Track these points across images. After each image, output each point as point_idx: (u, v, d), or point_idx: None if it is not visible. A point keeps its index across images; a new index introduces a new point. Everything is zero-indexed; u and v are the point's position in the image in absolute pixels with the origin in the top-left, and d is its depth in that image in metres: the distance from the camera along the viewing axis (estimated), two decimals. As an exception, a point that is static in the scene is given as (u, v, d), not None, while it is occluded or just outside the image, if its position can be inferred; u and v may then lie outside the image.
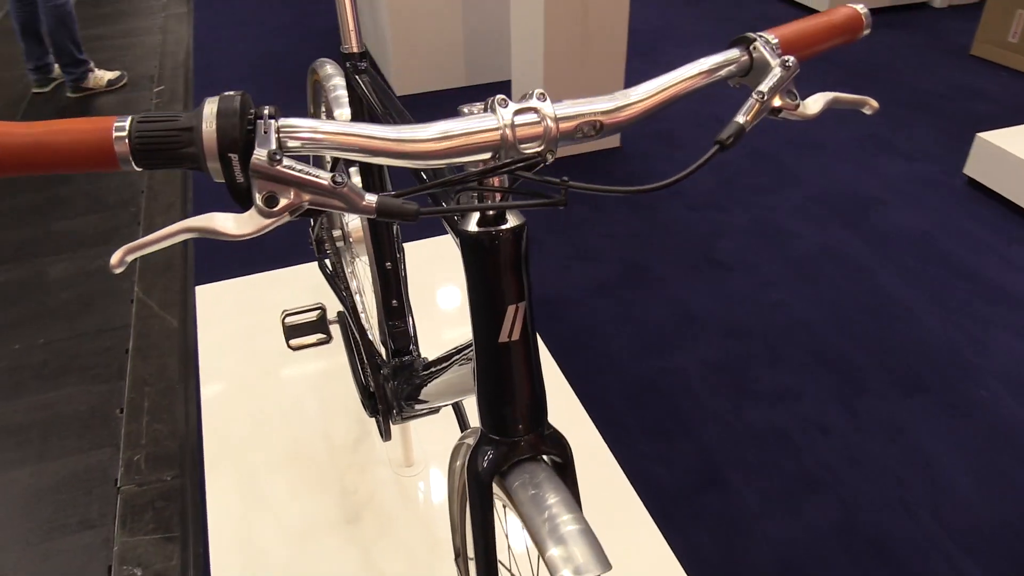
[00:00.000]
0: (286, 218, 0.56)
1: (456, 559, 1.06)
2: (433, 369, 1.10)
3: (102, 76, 3.68)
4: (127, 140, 0.53)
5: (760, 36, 0.71)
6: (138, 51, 4.18)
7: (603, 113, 0.64)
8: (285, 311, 1.36)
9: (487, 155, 0.61)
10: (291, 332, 1.33)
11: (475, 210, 0.66)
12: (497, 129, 0.60)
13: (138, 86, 3.79)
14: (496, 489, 0.75)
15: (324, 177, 0.56)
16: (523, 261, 0.68)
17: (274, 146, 0.55)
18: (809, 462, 1.81)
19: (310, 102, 1.70)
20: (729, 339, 2.17)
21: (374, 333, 1.37)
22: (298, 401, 1.78)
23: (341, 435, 1.68)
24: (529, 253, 0.70)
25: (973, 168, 2.82)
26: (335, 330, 1.39)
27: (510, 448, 0.73)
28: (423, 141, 0.60)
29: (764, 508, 1.71)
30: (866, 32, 0.77)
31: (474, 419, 1.05)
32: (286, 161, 0.55)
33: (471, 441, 0.82)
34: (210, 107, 0.54)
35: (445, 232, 2.52)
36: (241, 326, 2.01)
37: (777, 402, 1.97)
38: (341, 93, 1.38)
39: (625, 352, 2.12)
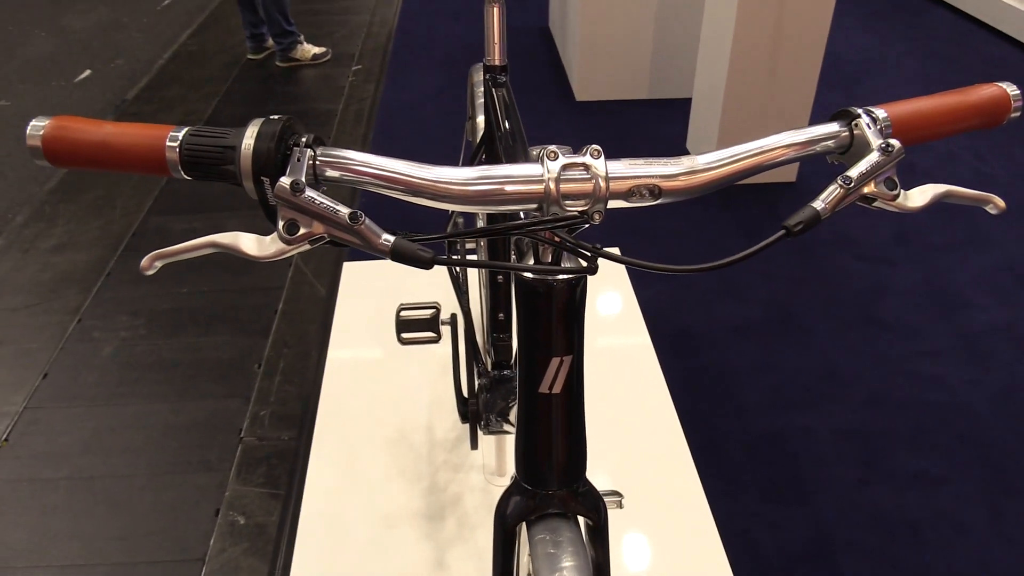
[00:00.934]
0: (306, 247, 0.56)
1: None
2: None
3: (308, 49, 3.94)
4: (178, 150, 0.56)
5: (868, 112, 0.62)
6: (345, 29, 4.45)
7: (662, 177, 0.58)
8: (402, 304, 1.39)
9: (531, 206, 0.58)
10: (403, 326, 1.36)
11: (488, 267, 0.63)
12: (541, 181, 0.57)
13: (339, 63, 4.03)
14: (524, 537, 0.72)
15: (343, 212, 0.55)
16: (576, 313, 0.64)
17: (304, 175, 0.55)
18: (936, 561, 1.62)
19: (468, 101, 1.73)
20: (871, 407, 1.99)
21: (482, 342, 1.37)
22: (412, 389, 1.82)
23: (444, 431, 1.71)
24: (584, 305, 0.66)
25: None
26: (446, 331, 1.40)
27: (539, 500, 0.71)
28: (460, 184, 0.57)
29: (871, 601, 1.55)
30: (1014, 116, 0.66)
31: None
32: (308, 192, 0.55)
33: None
34: (252, 128, 0.56)
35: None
36: (376, 307, 2.09)
37: (911, 486, 1.78)
38: (482, 102, 1.39)
39: (755, 401, 2.00)
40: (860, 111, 0.63)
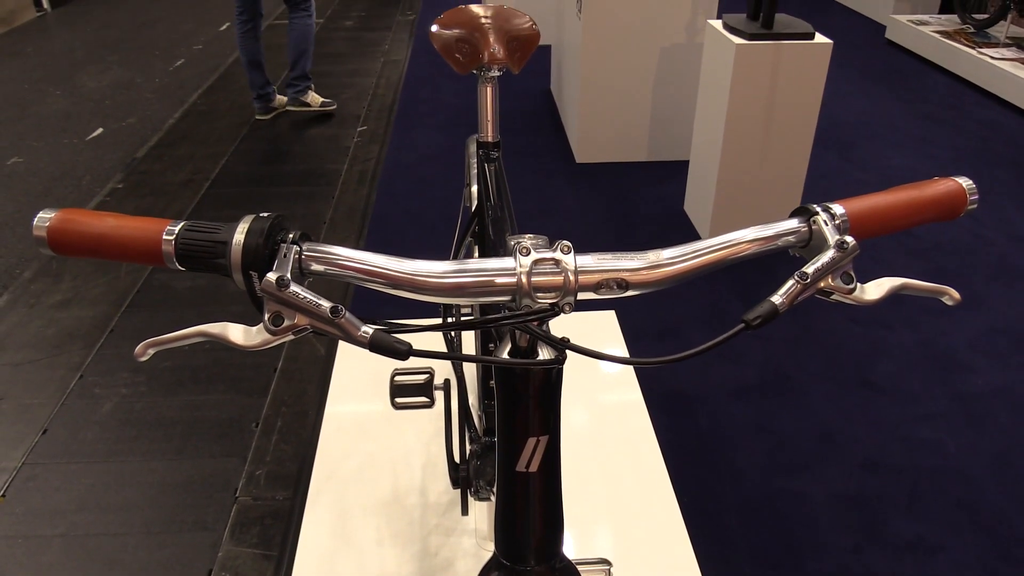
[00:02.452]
0: (289, 337, 0.59)
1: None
2: None
3: (317, 97, 4.09)
4: (173, 243, 0.59)
5: (826, 208, 0.65)
6: (352, 91, 4.56)
7: (628, 271, 0.61)
8: (396, 369, 1.41)
9: (505, 298, 0.61)
10: (397, 391, 1.38)
11: (461, 359, 0.65)
12: (513, 275, 0.60)
13: (344, 123, 4.12)
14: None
15: (324, 307, 0.58)
16: (552, 395, 0.67)
17: (290, 270, 0.58)
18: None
19: (466, 170, 1.78)
20: (867, 471, 1.99)
21: (474, 408, 1.39)
22: (406, 452, 1.83)
23: (436, 495, 1.71)
24: (560, 387, 0.68)
25: None
26: (440, 396, 1.42)
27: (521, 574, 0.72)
28: (438, 277, 0.60)
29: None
30: (970, 209, 0.69)
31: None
32: (292, 287, 0.58)
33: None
34: (243, 225, 0.59)
35: (591, 307, 2.51)
36: (373, 368, 2.11)
37: (907, 553, 1.77)
38: (476, 172, 1.44)
39: (750, 464, 2.00)
40: (819, 208, 0.65)
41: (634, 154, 3.63)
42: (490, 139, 1.24)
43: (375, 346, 0.59)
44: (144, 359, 0.61)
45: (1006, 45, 4.63)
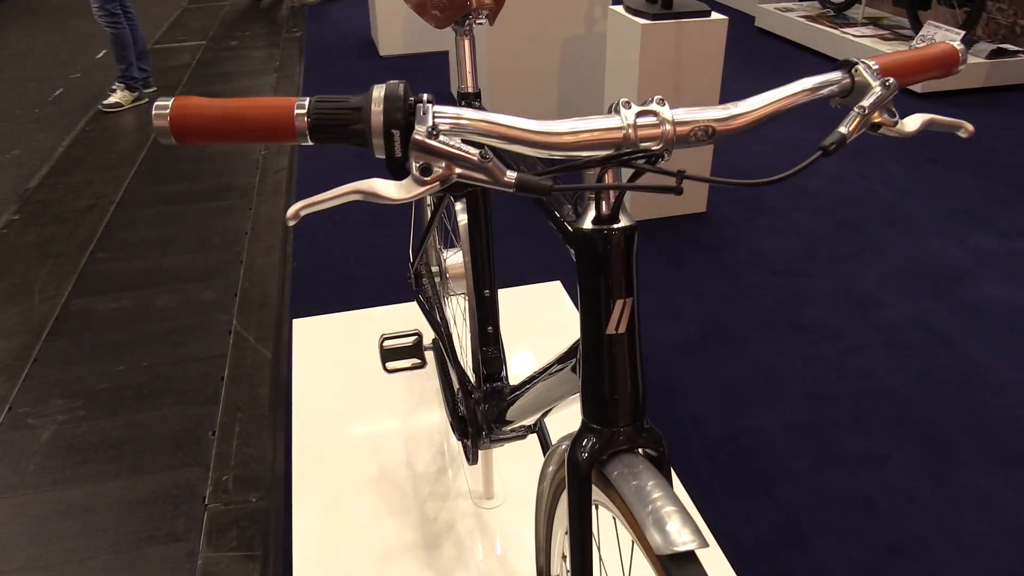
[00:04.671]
0: (436, 187, 0.62)
1: (536, 577, 1.08)
2: (519, 392, 1.14)
3: (127, 95, 4.47)
4: (306, 117, 0.61)
5: (861, 61, 0.75)
6: (249, 108, 4.47)
7: (716, 120, 0.68)
8: (383, 335, 1.42)
9: (610, 151, 0.67)
10: (388, 355, 1.39)
11: (602, 188, 0.70)
12: (621, 128, 0.66)
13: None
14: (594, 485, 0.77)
15: (473, 152, 0.62)
16: (633, 260, 0.72)
17: (431, 125, 0.62)
18: (897, 531, 1.75)
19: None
20: (812, 402, 2.13)
21: (466, 361, 1.41)
22: (386, 431, 1.83)
23: (425, 465, 1.72)
24: (638, 254, 0.74)
25: (1075, 247, 2.74)
26: (429, 360, 1.44)
27: (610, 437, 0.76)
28: (556, 134, 0.66)
29: (847, 574, 1.65)
30: (961, 68, 0.80)
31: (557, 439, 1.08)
32: (442, 137, 0.61)
33: (566, 444, 0.85)
34: (378, 92, 0.62)
35: (532, 282, 2.57)
36: (335, 357, 2.09)
37: (862, 467, 1.91)
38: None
39: (707, 410, 2.11)
40: (857, 60, 0.75)
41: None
42: (471, 89, 1.28)
43: (521, 186, 0.63)
44: (294, 223, 0.62)
45: (863, 24, 5.05)
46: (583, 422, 0.78)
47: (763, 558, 1.68)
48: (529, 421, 1.16)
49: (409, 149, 0.62)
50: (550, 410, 1.10)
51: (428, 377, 2.01)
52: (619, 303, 0.72)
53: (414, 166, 0.62)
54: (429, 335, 1.47)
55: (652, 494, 0.69)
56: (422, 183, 0.62)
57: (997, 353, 2.30)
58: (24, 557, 1.80)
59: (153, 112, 0.62)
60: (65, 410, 2.24)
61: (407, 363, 1.43)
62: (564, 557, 1.03)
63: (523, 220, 3.14)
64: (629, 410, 0.76)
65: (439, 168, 0.62)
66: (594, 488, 0.77)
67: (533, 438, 1.82)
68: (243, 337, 2.52)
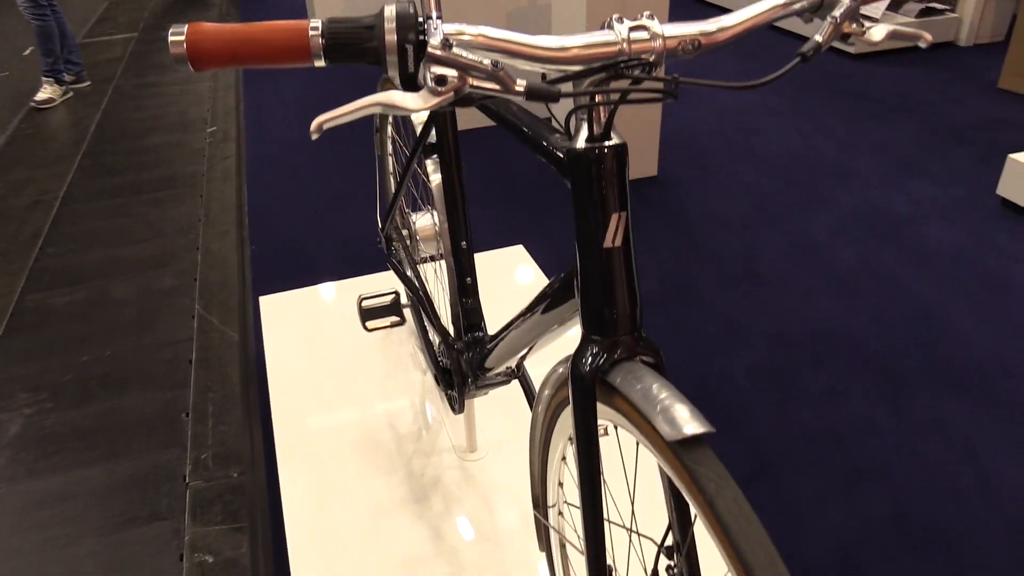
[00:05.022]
0: (451, 97, 0.65)
1: (535, 508, 1.12)
2: (499, 337, 1.19)
3: (56, 89, 4.38)
4: (320, 38, 0.63)
5: None
6: (190, 97, 4.40)
7: (703, 34, 0.73)
8: (362, 296, 1.44)
9: (606, 62, 0.71)
10: (367, 315, 1.41)
11: (600, 92, 0.74)
12: (616, 43, 0.70)
13: (191, 127, 3.97)
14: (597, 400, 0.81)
15: (487, 62, 0.65)
16: (626, 176, 0.76)
17: (443, 38, 0.64)
18: (859, 457, 1.84)
19: (376, 124, 1.82)
20: (773, 346, 2.22)
21: (445, 316, 1.45)
22: (364, 396, 1.85)
23: (406, 425, 1.75)
24: (628, 170, 0.78)
25: (1006, 189, 2.88)
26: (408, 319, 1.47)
27: (611, 347, 0.80)
28: (556, 49, 0.69)
29: (817, 500, 1.74)
30: None
31: (538, 385, 1.13)
32: (455, 48, 0.64)
33: (564, 367, 0.89)
34: (389, 11, 0.64)
35: (503, 245, 2.61)
36: (305, 330, 2.10)
37: (824, 402, 2.01)
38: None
39: (675, 360, 2.18)
40: None
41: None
42: (435, 15, 1.30)
43: (531, 93, 0.66)
44: (316, 136, 0.64)
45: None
46: (583, 336, 0.82)
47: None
48: (512, 362, 1.20)
49: (423, 62, 0.64)
50: (528, 352, 1.15)
51: (401, 342, 2.04)
52: (615, 217, 0.76)
53: (428, 78, 0.64)
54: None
55: (658, 392, 0.73)
56: (437, 94, 0.65)
57: (943, 291, 2.42)
58: (5, 548, 1.78)
59: (169, 39, 0.63)
60: (30, 403, 2.20)
61: (386, 321, 1.45)
62: (560, 484, 1.08)
63: (481, 192, 3.17)
64: (628, 320, 0.80)
65: (453, 79, 0.65)
66: (602, 407, 0.81)
67: (513, 391, 1.86)
68: (207, 320, 2.50)
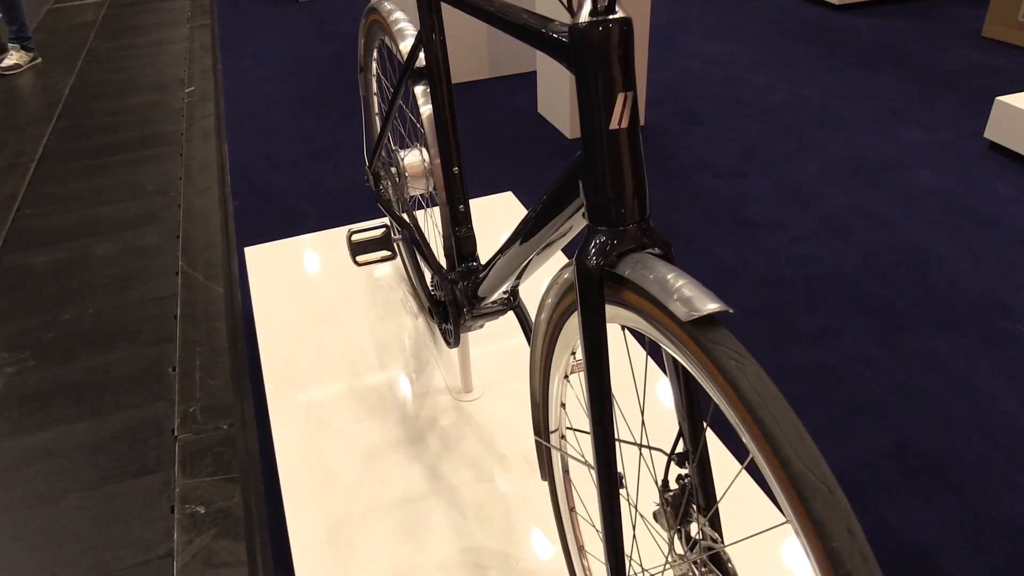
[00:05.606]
0: None
1: (536, 434, 1.10)
2: (492, 263, 1.16)
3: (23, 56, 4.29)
4: None
5: None
6: (167, 57, 4.29)
7: None
8: (351, 229, 1.40)
9: None
10: (357, 248, 1.37)
11: None
12: None
13: (169, 88, 3.88)
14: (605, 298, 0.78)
15: None
16: (631, 53, 0.73)
17: None
18: (856, 393, 1.83)
19: (361, 50, 1.77)
20: (765, 288, 2.20)
21: (438, 247, 1.41)
22: (356, 341, 1.82)
23: (399, 369, 1.72)
24: (633, 48, 0.74)
25: (993, 132, 2.87)
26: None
27: (619, 237, 0.76)
28: None
29: (816, 436, 1.73)
30: None
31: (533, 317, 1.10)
32: None
33: (569, 271, 0.86)
34: None
35: (493, 192, 2.57)
36: (292, 279, 2.06)
37: (818, 341, 2.00)
38: (404, 25, 1.45)
39: (664, 302, 2.16)
40: None
41: (477, 72, 3.69)
42: None
43: None
44: None
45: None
46: (588, 229, 0.79)
47: (731, 432, 1.75)
48: (507, 286, 1.16)
49: None
50: (522, 276, 1.12)
51: (391, 288, 2.00)
52: (621, 96, 0.73)
53: None
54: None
55: (671, 278, 0.70)
56: None
57: (932, 232, 2.41)
58: (-10, 505, 1.74)
59: None
60: (12, 362, 2.16)
61: (377, 255, 1.42)
62: (563, 405, 1.05)
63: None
64: (636, 208, 0.76)
65: None
66: (610, 307, 0.78)
67: (508, 330, 1.84)
68: (192, 276, 2.45)
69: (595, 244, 0.77)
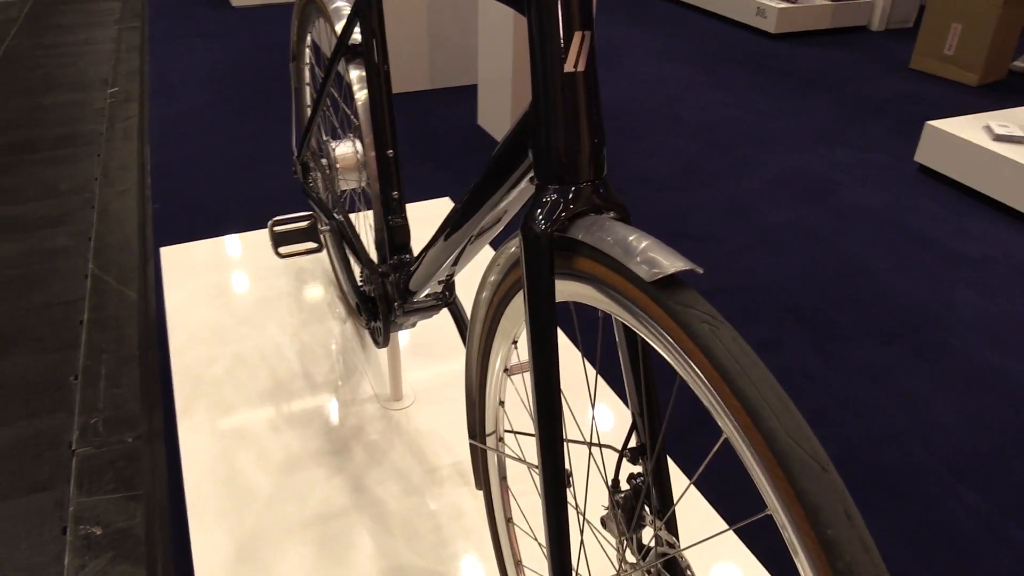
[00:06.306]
0: None
1: (471, 437, 1.01)
2: (422, 256, 1.08)
3: None
4: None
5: None
6: (91, 57, 4.09)
7: None
8: (274, 220, 1.29)
9: None
10: (280, 239, 1.26)
11: None
12: None
13: (91, 87, 3.69)
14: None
15: None
16: None
17: None
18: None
19: (294, 34, 1.67)
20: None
21: (367, 239, 1.31)
22: (276, 345, 1.69)
23: (323, 375, 1.61)
24: None
25: (924, 155, 2.92)
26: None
27: (571, 196, 0.67)
28: None
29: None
30: None
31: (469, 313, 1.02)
32: None
33: (515, 245, 0.77)
34: None
35: (436, 196, 2.48)
36: (211, 281, 1.92)
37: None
38: (340, 4, 1.36)
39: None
40: None
41: (417, 83, 3.62)
42: None
43: None
44: None
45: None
46: (537, 189, 0.70)
47: (677, 437, 1.69)
48: (440, 275, 1.07)
49: None
50: (455, 267, 1.04)
51: (317, 292, 1.88)
52: (577, 36, 0.65)
53: None
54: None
55: (632, 239, 0.61)
56: None
57: (867, 248, 2.42)
58: None
59: None
60: None
61: (302, 247, 1.31)
62: (501, 403, 0.96)
63: (405, 154, 3.03)
64: (591, 164, 0.68)
65: None
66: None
67: (441, 336, 1.74)
68: (103, 280, 2.28)
69: (544, 205, 0.68)
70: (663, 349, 0.59)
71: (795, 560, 0.49)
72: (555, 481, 0.71)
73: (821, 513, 0.46)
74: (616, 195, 0.70)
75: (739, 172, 2.91)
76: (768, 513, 0.51)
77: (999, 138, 2.71)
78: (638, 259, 0.60)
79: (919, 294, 2.19)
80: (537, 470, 0.72)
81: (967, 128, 2.82)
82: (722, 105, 3.54)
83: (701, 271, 0.59)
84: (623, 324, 0.71)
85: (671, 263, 0.58)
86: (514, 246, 0.78)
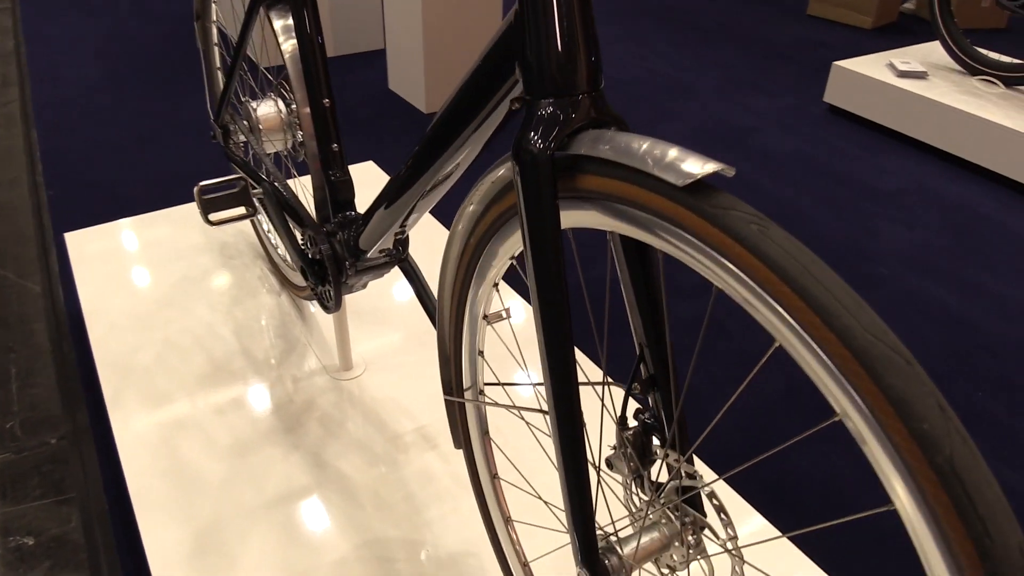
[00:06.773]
0: None
1: (447, 394, 0.95)
2: (374, 212, 1.01)
3: None
4: None
5: None
6: (-48, 42, 3.74)
7: None
8: (202, 185, 1.18)
9: None
10: (210, 206, 1.16)
11: None
12: None
13: (-43, 74, 3.38)
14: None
15: None
16: None
17: None
18: (744, 342, 1.81)
19: (196, 10, 1.54)
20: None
21: (307, 199, 1.22)
22: (209, 325, 1.58)
23: (264, 352, 1.51)
24: None
25: (832, 95, 3.00)
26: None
27: (570, 108, 0.62)
28: None
29: (713, 384, 1.69)
30: None
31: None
32: None
33: (502, 169, 0.71)
34: None
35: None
36: (124, 266, 1.78)
37: (699, 295, 1.97)
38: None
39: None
40: None
41: (321, 51, 3.46)
42: None
43: None
44: None
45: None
46: (529, 106, 0.64)
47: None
48: (394, 229, 1.00)
49: None
50: (407, 219, 0.97)
51: (245, 267, 1.77)
52: None
53: None
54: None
55: (648, 146, 0.57)
56: None
57: (792, 189, 2.46)
58: None
59: None
60: None
61: (235, 212, 1.21)
62: (481, 353, 0.91)
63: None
64: (589, 71, 0.62)
65: None
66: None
67: (387, 298, 1.66)
68: (1, 276, 2.10)
69: (539, 123, 0.63)
70: (697, 262, 0.55)
71: (876, 468, 0.46)
72: (571, 430, 0.66)
73: (912, 407, 0.43)
74: (613, 109, 0.65)
75: (661, 123, 2.91)
76: (837, 419, 0.48)
77: (903, 74, 2.81)
78: (663, 165, 0.55)
79: (847, 229, 2.25)
80: (539, 417, 0.68)
81: (872, 67, 2.90)
82: (636, 58, 3.54)
83: (733, 172, 0.55)
84: (632, 245, 0.67)
85: (701, 166, 0.54)
86: (502, 169, 0.71)
